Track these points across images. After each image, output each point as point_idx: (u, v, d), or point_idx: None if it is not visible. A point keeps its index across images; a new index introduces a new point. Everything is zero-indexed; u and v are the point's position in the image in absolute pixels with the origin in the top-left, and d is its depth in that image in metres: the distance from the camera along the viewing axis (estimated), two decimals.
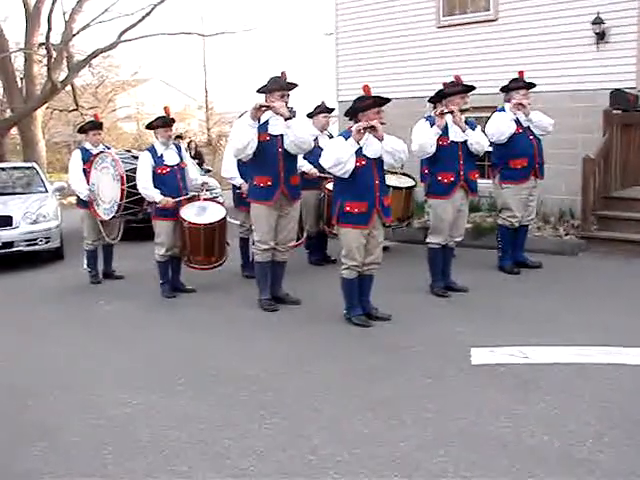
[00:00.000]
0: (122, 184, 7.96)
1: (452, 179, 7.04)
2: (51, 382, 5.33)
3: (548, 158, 8.35)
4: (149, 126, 7.99)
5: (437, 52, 11.92)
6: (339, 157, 5.96)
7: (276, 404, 4.68)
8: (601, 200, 9.50)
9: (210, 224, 7.62)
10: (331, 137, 8.59)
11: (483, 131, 7.42)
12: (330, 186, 7.82)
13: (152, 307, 7.48)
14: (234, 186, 8.34)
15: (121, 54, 37.29)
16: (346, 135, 6.11)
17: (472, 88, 7.11)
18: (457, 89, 7.06)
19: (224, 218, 7.79)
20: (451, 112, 6.90)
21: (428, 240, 7.31)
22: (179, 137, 15.75)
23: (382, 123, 6.04)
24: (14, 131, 21.09)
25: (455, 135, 7.00)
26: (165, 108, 7.87)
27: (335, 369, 5.30)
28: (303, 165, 8.07)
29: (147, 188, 7.60)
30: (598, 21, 10.01)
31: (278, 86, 6.65)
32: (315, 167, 8.13)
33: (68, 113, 24.06)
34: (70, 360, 5.86)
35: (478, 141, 7.02)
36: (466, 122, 7.01)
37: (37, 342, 6.42)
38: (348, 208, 6.14)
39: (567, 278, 7.87)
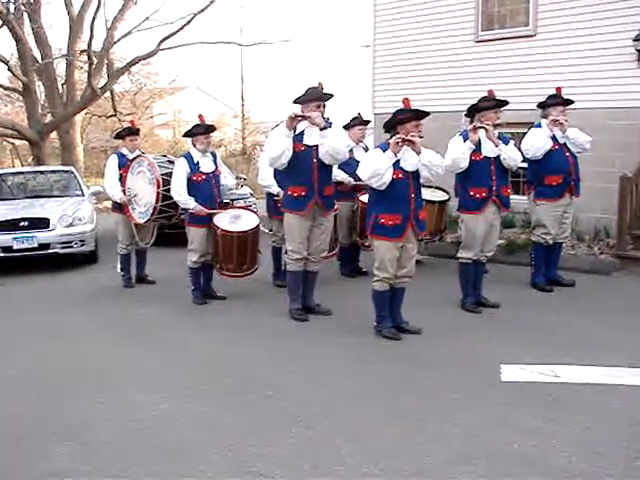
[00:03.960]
0: (158, 187, 8.03)
1: (484, 194, 7.02)
2: (80, 384, 5.40)
3: (584, 176, 8.27)
4: (188, 133, 8.01)
5: (474, 66, 11.89)
6: (376, 169, 5.96)
7: (302, 413, 4.69)
8: (637, 219, 9.37)
9: (243, 232, 7.66)
10: (366, 149, 8.62)
11: (518, 147, 7.39)
12: (364, 198, 7.83)
13: (182, 313, 7.54)
14: (269, 194, 8.37)
15: (160, 62, 37.75)
16: (384, 147, 6.11)
17: (505, 103, 7.08)
18: (490, 104, 7.04)
19: (257, 227, 7.83)
20: (484, 127, 6.88)
21: (459, 255, 7.29)
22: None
23: (420, 137, 6.04)
24: (53, 135, 21.40)
25: (488, 150, 6.98)
26: (199, 116, 7.94)
27: (363, 380, 5.29)
28: (338, 175, 8.08)
29: (181, 195, 7.66)
30: (639, 38, 9.92)
31: (314, 96, 6.69)
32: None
33: (106, 119, 24.37)
34: (100, 362, 5.93)
35: (511, 156, 6.99)
36: (499, 137, 6.99)
37: (68, 344, 6.51)
38: (382, 220, 6.14)
39: (600, 297, 7.77)
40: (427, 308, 7.18)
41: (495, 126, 6.95)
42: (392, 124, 6.17)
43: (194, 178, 7.65)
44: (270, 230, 8.63)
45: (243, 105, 35.19)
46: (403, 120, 6.09)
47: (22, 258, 10.05)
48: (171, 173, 7.90)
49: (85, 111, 21.39)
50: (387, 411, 4.70)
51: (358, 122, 8.79)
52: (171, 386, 5.29)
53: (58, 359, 6.04)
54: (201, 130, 7.79)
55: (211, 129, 7.92)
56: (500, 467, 3.86)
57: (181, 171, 7.66)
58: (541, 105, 7.98)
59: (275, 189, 8.02)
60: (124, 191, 8.53)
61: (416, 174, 6.17)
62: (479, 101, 7.14)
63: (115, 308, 7.83)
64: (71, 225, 10.27)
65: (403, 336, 6.31)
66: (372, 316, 6.46)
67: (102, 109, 24.41)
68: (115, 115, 21.82)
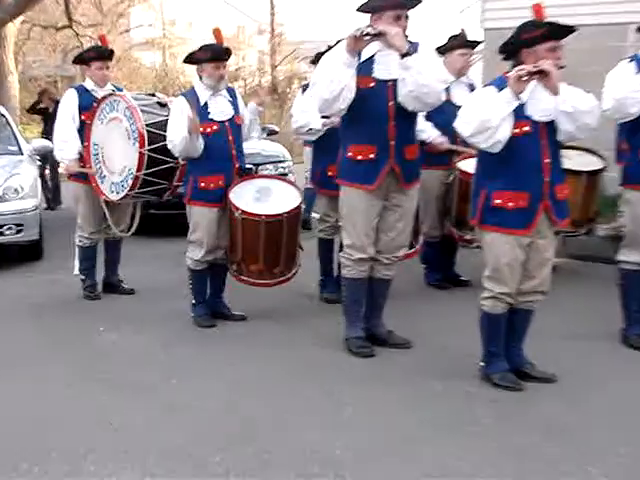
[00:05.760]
0: (142, 145, 8.09)
1: None
2: (13, 447, 5.43)
3: None
4: (189, 59, 8.05)
5: None
6: (487, 119, 5.96)
7: None
8: None
9: (276, 216, 7.70)
10: (473, 87, 8.60)
11: None
12: (466, 165, 7.86)
13: (178, 340, 7.64)
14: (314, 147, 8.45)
15: None
16: (500, 84, 6.12)
17: None
18: None
19: (297, 207, 7.83)
20: None
21: (620, 257, 7.26)
22: None
23: (560, 67, 6.03)
24: None
25: None
26: (215, 31, 7.96)
27: (462, 454, 5.32)
28: (425, 130, 8.11)
29: (178, 142, 7.57)
30: None
31: (392, 3, 6.65)
32: (445, 134, 8.18)
33: (55, 31, 24.63)
34: (47, 411, 6.02)
35: None
36: None
37: (5, 382, 6.62)
38: (499, 201, 6.15)
39: None
40: (565, 341, 7.22)
41: None
42: (514, 47, 6.17)
43: (200, 129, 7.58)
44: (316, 212, 8.71)
45: (273, 15, 35.16)
46: (532, 40, 6.07)
47: None
48: (162, 122, 7.96)
49: (21, 19, 21.63)
50: None
51: (460, 43, 8.77)
52: (159, 457, 5.29)
53: None
54: (208, 55, 7.77)
55: (225, 54, 7.90)
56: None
57: (180, 116, 7.63)
58: None
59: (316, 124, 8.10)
60: (87, 149, 8.65)
61: (552, 127, 6.17)
62: None
63: (72, 331, 7.96)
64: (1, 200, 10.41)
65: (526, 385, 6.33)
66: (476, 352, 6.52)
67: (48, 16, 24.66)
68: (70, 26, 22.04)
